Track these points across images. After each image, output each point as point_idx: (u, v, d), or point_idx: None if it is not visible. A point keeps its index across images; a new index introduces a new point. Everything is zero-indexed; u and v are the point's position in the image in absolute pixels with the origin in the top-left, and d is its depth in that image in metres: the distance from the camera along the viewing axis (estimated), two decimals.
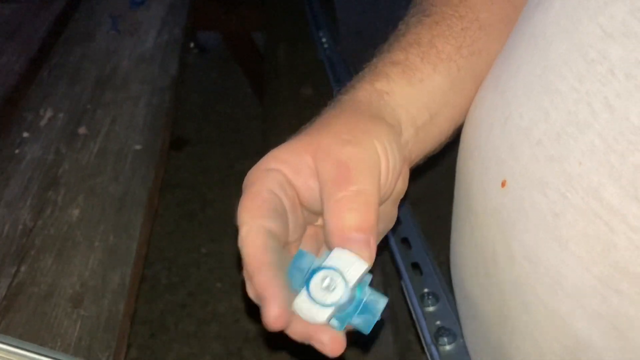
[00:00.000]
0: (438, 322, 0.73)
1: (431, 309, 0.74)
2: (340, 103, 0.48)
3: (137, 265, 0.82)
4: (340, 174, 0.41)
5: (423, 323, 0.74)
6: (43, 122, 1.03)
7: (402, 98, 0.49)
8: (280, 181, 0.43)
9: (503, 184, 0.45)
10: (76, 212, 0.88)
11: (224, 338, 1.49)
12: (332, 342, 0.38)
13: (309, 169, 0.43)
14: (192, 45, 2.44)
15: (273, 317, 0.36)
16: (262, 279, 0.37)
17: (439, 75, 0.51)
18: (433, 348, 0.71)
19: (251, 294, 0.40)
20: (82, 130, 1.02)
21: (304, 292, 0.37)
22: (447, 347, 0.70)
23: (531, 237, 0.42)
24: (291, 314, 0.38)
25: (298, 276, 0.39)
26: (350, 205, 0.40)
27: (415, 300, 0.75)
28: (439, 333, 0.71)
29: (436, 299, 0.75)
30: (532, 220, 0.42)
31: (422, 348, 0.74)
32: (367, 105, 0.47)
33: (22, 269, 0.78)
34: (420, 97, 0.50)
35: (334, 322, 0.38)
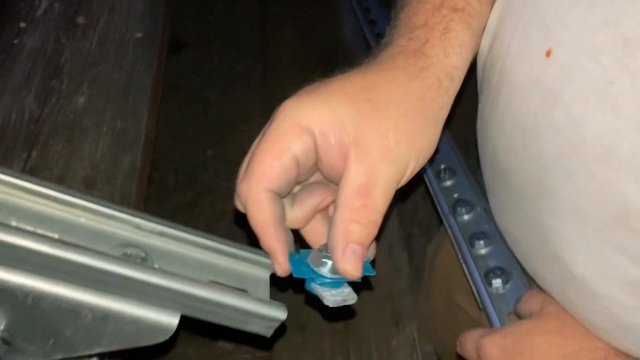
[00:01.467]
0: (455, 195, 0.73)
1: (448, 183, 0.74)
2: (396, 67, 0.44)
3: (146, 149, 0.81)
4: (366, 185, 0.40)
5: (440, 196, 0.74)
6: (39, 12, 1.00)
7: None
8: (308, 150, 0.41)
9: (548, 54, 0.43)
10: (81, 99, 0.86)
11: (232, 236, 1.50)
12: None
13: (341, 147, 0.41)
14: None
15: (281, 272, 0.42)
16: (269, 242, 0.41)
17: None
18: (451, 218, 0.71)
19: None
20: (80, 19, 0.99)
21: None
22: (465, 217, 0.71)
23: (579, 107, 0.41)
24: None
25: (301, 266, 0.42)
26: (361, 219, 0.40)
27: (431, 175, 0.75)
28: (456, 204, 0.71)
29: (453, 173, 0.75)
30: (581, 89, 0.40)
31: (441, 221, 0.75)
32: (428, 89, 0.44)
33: (33, 154, 0.77)
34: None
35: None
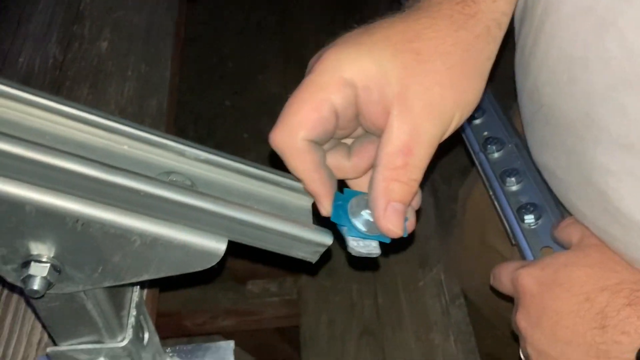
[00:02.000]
0: (485, 133, 0.72)
1: (478, 121, 0.73)
2: (442, 15, 0.42)
3: (172, 93, 0.81)
4: (408, 143, 0.39)
5: (470, 134, 0.73)
6: None
7: None
8: (349, 103, 0.40)
9: None
10: (104, 44, 0.85)
11: None
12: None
13: (384, 103, 0.39)
14: None
15: (325, 213, 0.41)
16: (313, 188, 0.41)
17: None
18: (481, 155, 0.70)
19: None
20: None
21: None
22: (496, 154, 0.70)
23: (635, 33, 0.39)
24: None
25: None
26: (402, 178, 0.39)
27: None
28: (487, 142, 0.70)
29: (482, 112, 0.74)
30: (639, 14, 0.38)
31: (471, 160, 0.74)
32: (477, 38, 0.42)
33: None
34: None
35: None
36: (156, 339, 0.51)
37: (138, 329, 0.46)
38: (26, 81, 0.80)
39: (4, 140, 0.30)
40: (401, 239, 0.41)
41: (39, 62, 0.83)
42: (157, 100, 0.78)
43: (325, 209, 0.41)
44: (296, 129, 0.39)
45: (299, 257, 0.38)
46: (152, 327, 0.49)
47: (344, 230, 0.41)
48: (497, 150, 0.70)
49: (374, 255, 0.41)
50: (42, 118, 0.36)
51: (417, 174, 0.40)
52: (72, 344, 0.44)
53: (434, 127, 0.40)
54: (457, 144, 0.80)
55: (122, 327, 0.44)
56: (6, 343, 0.58)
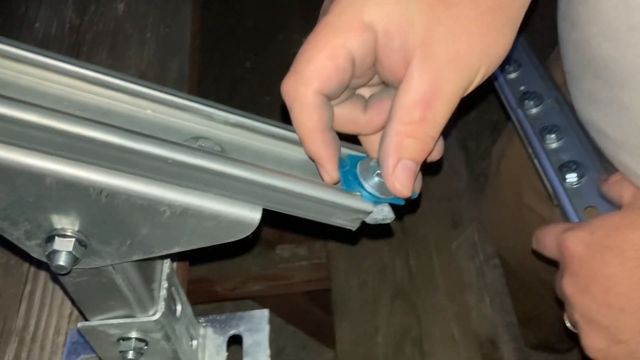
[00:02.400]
0: (522, 87, 0.69)
1: (513, 75, 0.70)
2: None
3: (193, 55, 0.78)
4: (428, 95, 0.35)
5: (506, 89, 0.69)
6: None
7: None
8: (368, 49, 0.36)
9: None
10: (121, 5, 0.82)
11: None
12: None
13: (406, 49, 0.35)
14: None
15: (330, 180, 0.37)
16: (315, 148, 0.37)
17: None
18: (519, 111, 0.67)
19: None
20: None
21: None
22: (534, 110, 0.67)
23: None
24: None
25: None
26: (417, 133, 0.35)
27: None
28: (524, 97, 0.67)
29: (518, 65, 0.70)
30: None
31: (507, 116, 0.71)
32: None
33: None
34: None
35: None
36: (189, 310, 0.49)
37: (170, 301, 0.44)
38: (43, 47, 0.77)
39: (18, 107, 0.28)
40: (414, 201, 0.37)
41: (56, 26, 0.80)
42: (178, 62, 0.76)
43: (330, 175, 0.37)
44: (309, 79, 0.35)
45: (338, 224, 0.36)
46: (185, 299, 0.47)
47: None
48: (536, 106, 0.66)
49: (388, 221, 0.37)
50: (60, 83, 0.34)
51: (435, 130, 0.36)
52: (102, 319, 0.42)
53: (457, 79, 0.36)
54: (483, 99, 0.76)
55: (153, 300, 0.42)
56: (37, 316, 0.57)
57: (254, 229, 0.34)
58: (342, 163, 0.37)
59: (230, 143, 0.36)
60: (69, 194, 0.31)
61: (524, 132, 0.66)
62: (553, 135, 0.63)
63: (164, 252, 0.36)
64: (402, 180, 0.35)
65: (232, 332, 0.53)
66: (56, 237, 0.34)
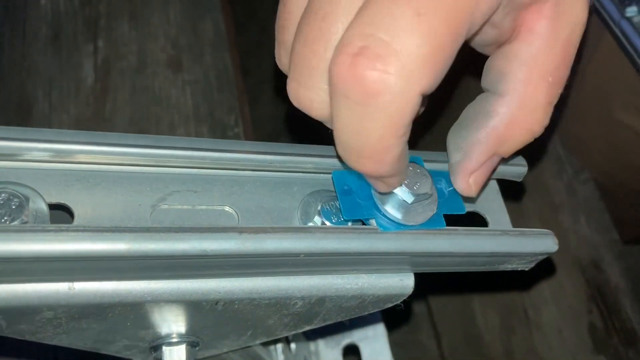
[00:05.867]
0: None
1: None
2: None
3: (225, 7, 0.67)
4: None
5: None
6: None
7: None
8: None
9: None
10: None
11: None
12: None
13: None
14: None
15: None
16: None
17: None
18: (623, 23, 0.58)
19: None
20: None
21: None
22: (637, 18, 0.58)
23: None
24: None
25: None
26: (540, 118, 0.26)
27: None
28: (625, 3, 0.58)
29: None
30: None
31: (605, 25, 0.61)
32: None
33: (100, 43, 0.65)
34: None
35: None
36: (302, 340, 0.43)
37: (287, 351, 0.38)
38: (57, 27, 0.68)
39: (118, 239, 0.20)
40: None
41: (64, 0, 0.70)
42: (211, 21, 0.66)
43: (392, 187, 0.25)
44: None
45: (507, 269, 0.28)
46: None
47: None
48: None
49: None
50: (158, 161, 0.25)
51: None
52: None
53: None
54: None
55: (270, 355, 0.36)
56: None
57: (406, 296, 0.27)
58: (338, 179, 0.26)
59: None
60: (174, 310, 0.24)
61: (631, 44, 0.57)
62: None
63: (292, 332, 0.29)
64: (480, 181, 0.27)
65: (347, 342, 0.47)
66: (163, 347, 0.27)
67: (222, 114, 0.60)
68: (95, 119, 0.59)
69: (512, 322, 0.77)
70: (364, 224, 0.25)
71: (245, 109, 0.63)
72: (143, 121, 0.59)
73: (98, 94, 0.61)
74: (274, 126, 1.18)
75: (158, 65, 0.63)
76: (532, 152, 0.84)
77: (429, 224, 0.25)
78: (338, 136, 0.22)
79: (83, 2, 0.69)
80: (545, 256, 0.27)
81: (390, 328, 0.60)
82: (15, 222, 0.21)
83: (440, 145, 0.28)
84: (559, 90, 0.27)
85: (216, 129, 0.60)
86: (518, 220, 0.81)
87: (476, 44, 0.28)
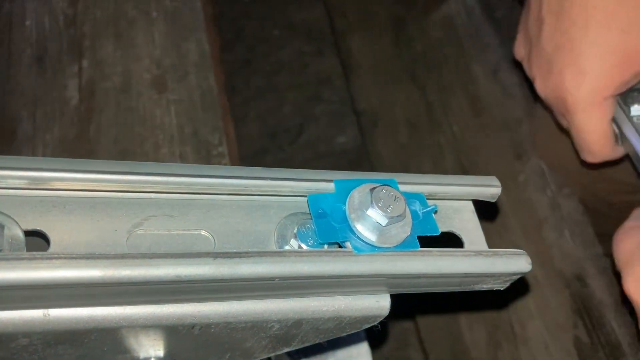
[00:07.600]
0: None
1: None
2: None
3: (209, 27, 0.68)
4: None
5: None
6: None
7: None
8: None
9: None
10: None
11: (297, 86, 1.39)
12: None
13: None
14: None
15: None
16: None
17: None
18: None
19: None
20: None
21: None
22: None
23: None
24: None
25: None
26: None
27: None
28: None
29: None
30: None
31: None
32: None
33: (84, 64, 0.65)
34: None
35: None
36: None
37: None
38: (41, 48, 0.68)
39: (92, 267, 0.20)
40: None
41: (49, 22, 0.70)
42: (195, 41, 0.66)
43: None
44: None
45: (482, 289, 0.28)
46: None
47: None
48: None
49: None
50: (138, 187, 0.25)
51: None
52: None
53: None
54: None
55: None
56: None
57: (383, 318, 0.27)
58: (313, 202, 0.26)
59: None
60: (151, 334, 0.24)
61: None
62: None
63: (271, 354, 0.29)
64: None
65: None
66: None
67: (207, 133, 0.60)
68: (79, 140, 0.59)
69: (498, 337, 0.77)
70: (340, 246, 0.25)
71: (229, 128, 0.63)
72: (127, 141, 0.59)
73: (82, 115, 0.61)
74: (262, 144, 1.18)
75: (143, 85, 0.63)
76: (516, 167, 0.85)
77: (403, 246, 0.25)
78: None
79: (68, 23, 0.69)
80: (519, 276, 0.27)
81: (378, 345, 0.60)
82: None
83: (413, 167, 0.29)
84: None
85: (200, 148, 0.60)
86: (502, 234, 0.82)
87: None
